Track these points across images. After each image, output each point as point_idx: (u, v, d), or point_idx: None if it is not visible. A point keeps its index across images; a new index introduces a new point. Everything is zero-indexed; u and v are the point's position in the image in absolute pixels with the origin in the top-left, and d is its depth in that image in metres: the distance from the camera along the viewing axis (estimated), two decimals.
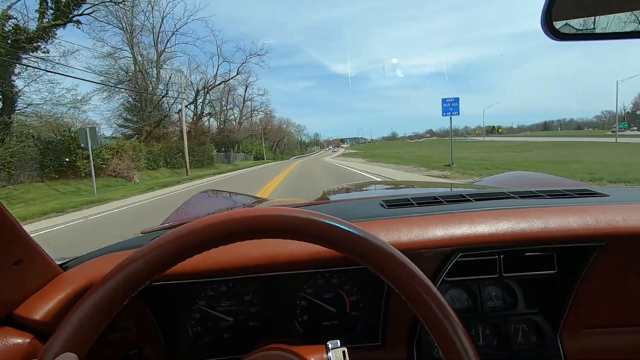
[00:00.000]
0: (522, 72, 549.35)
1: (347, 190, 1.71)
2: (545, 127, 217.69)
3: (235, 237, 0.35)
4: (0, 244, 0.49)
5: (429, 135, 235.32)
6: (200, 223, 0.35)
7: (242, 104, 56.82)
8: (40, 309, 0.55)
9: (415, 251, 0.65)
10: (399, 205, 0.84)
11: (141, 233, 0.85)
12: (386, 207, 0.83)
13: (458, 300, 0.76)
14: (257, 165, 43.94)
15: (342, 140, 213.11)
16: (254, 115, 63.36)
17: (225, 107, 45.65)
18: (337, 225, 0.36)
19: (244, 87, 56.31)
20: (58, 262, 0.66)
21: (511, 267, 0.71)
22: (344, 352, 0.50)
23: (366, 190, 1.78)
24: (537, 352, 0.74)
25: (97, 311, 0.33)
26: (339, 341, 0.52)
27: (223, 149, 43.40)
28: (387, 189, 1.81)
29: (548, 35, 0.62)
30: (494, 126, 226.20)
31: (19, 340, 0.51)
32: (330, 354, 0.50)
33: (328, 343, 0.52)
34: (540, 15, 0.62)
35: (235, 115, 55.13)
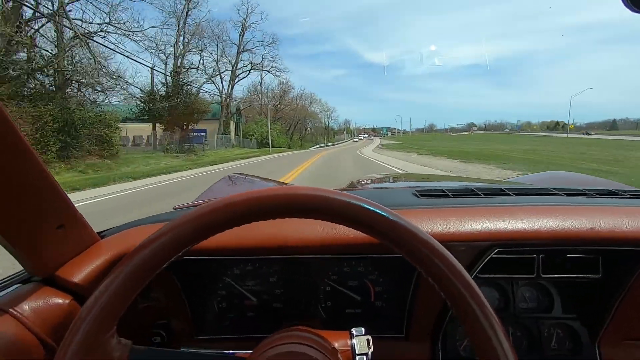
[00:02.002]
0: (568, 68, 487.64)
1: (376, 180, 1.63)
2: (614, 125, 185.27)
3: (278, 213, 0.35)
4: (46, 208, 0.52)
5: (475, 128, 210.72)
6: (247, 195, 0.35)
7: (235, 57, 36.43)
8: (79, 273, 0.58)
9: (448, 243, 0.61)
10: (432, 195, 0.80)
11: (173, 209, 0.86)
12: (419, 196, 0.79)
13: (489, 299, 0.68)
14: (250, 157, 24.55)
15: (374, 129, 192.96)
16: (257, 77, 42.39)
17: (184, 42, 24.80)
18: (383, 213, 0.35)
19: (239, 30, 36.02)
20: (96, 231, 0.69)
21: (550, 268, 0.67)
22: (368, 340, 0.50)
23: (395, 181, 1.73)
24: (572, 359, 0.70)
25: (130, 278, 0.34)
26: (363, 329, 0.51)
27: (184, 126, 23.33)
28: (416, 181, 1.67)
29: (627, 6, 0.54)
30: (557, 122, 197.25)
31: (60, 300, 0.54)
32: (354, 340, 0.50)
33: (352, 330, 0.51)
34: None
35: (219, 72, 34.48)
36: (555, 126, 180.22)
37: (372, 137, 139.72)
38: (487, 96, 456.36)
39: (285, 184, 1.46)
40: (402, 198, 0.81)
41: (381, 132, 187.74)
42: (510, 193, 0.80)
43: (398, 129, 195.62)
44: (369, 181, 1.53)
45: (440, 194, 0.81)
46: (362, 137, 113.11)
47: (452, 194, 0.80)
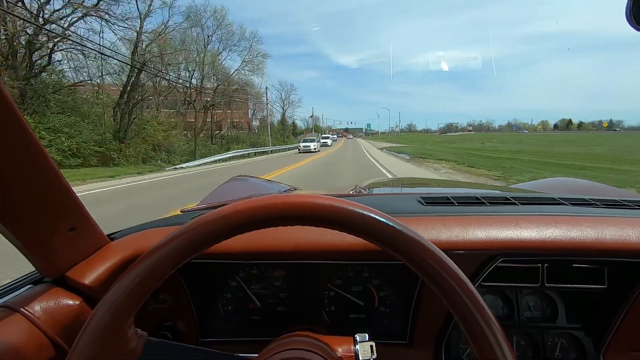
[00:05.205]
0: (532, 73, 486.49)
1: (380, 185, 1.65)
2: (611, 125, 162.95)
3: (284, 221, 0.35)
4: (59, 211, 0.52)
5: (470, 128, 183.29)
6: (257, 202, 0.35)
7: None
8: (90, 274, 0.58)
9: (453, 252, 0.62)
10: (438, 203, 0.80)
11: (181, 211, 0.89)
12: (424, 204, 0.79)
13: (493, 307, 0.71)
14: None
15: (347, 130, 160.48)
16: None
17: None
18: (386, 221, 0.35)
19: None
20: (106, 233, 0.70)
21: (555, 278, 0.67)
22: (371, 346, 0.50)
23: (402, 186, 1.77)
24: None
25: (141, 282, 0.35)
26: (367, 335, 0.52)
27: None
28: (420, 186, 1.74)
29: (632, 25, 0.54)
30: (570, 119, 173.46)
31: (70, 301, 0.55)
32: (357, 346, 0.50)
33: (356, 335, 0.52)
34: (625, 3, 0.53)
35: None
36: (568, 125, 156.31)
37: (350, 137, 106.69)
38: (457, 99, 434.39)
39: (290, 185, 1.51)
40: (407, 205, 0.80)
41: (362, 131, 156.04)
42: (516, 202, 0.79)
43: (370, 130, 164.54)
44: (374, 186, 1.50)
45: (445, 201, 0.80)
46: (331, 138, 49.87)
47: (457, 202, 0.79)
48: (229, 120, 35.93)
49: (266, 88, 34.96)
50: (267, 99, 34.22)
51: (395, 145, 38.56)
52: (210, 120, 28.53)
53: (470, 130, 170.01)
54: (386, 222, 0.35)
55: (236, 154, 22.93)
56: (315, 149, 27.49)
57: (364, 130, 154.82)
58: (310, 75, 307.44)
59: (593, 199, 0.81)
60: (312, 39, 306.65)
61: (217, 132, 31.29)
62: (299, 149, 28.02)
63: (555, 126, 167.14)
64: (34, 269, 0.58)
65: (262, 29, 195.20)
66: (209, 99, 26.44)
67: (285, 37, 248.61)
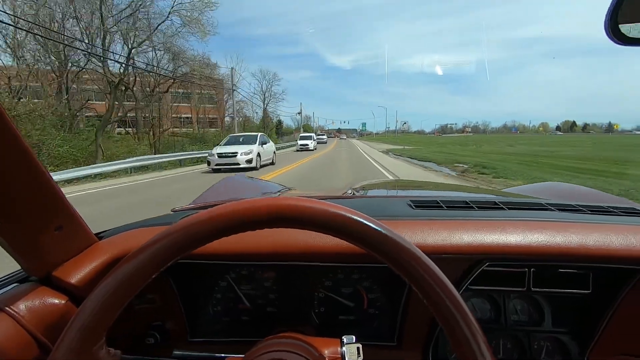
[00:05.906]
0: (517, 77, 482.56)
1: (373, 187, 1.69)
2: (610, 128, 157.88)
3: (268, 224, 0.35)
4: (45, 210, 0.52)
5: (469, 130, 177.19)
6: (239, 205, 0.35)
7: None
8: (76, 274, 0.58)
9: (440, 255, 0.63)
10: (427, 206, 0.81)
11: (171, 211, 0.90)
12: (413, 207, 0.81)
13: (480, 310, 0.72)
14: None
15: (339, 130, 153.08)
16: None
17: None
18: (368, 223, 0.36)
19: None
20: (94, 232, 0.69)
21: (541, 282, 0.68)
22: (358, 348, 0.50)
23: (392, 189, 1.82)
24: None
25: (126, 283, 0.35)
26: (354, 337, 0.52)
27: None
28: (414, 189, 1.79)
29: (611, 39, 0.56)
30: (574, 121, 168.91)
31: (56, 301, 0.55)
32: (344, 348, 0.50)
33: (343, 337, 0.52)
34: (604, 17, 0.56)
35: None
36: (572, 127, 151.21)
37: (343, 137, 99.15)
38: (450, 101, 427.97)
39: (283, 185, 1.50)
40: (396, 208, 0.81)
41: (356, 131, 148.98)
42: (503, 207, 0.80)
43: (365, 130, 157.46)
44: (367, 188, 1.54)
45: (434, 205, 0.82)
46: (315, 139, 34.37)
47: (446, 206, 0.80)
48: (196, 114, 27.48)
49: (232, 68, 26.13)
50: (232, 83, 25.43)
51: (400, 147, 30.33)
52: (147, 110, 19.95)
53: (469, 132, 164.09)
54: (369, 224, 0.36)
55: (150, 161, 14.01)
56: (249, 162, 12.17)
57: (357, 131, 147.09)
58: (303, 75, 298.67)
59: (580, 205, 0.82)
60: (307, 40, 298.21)
61: (167, 128, 23.07)
62: (208, 162, 12.70)
63: (558, 128, 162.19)
64: (19, 267, 0.57)
65: (257, 29, 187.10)
66: (115, 77, 17.49)
67: (280, 38, 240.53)
